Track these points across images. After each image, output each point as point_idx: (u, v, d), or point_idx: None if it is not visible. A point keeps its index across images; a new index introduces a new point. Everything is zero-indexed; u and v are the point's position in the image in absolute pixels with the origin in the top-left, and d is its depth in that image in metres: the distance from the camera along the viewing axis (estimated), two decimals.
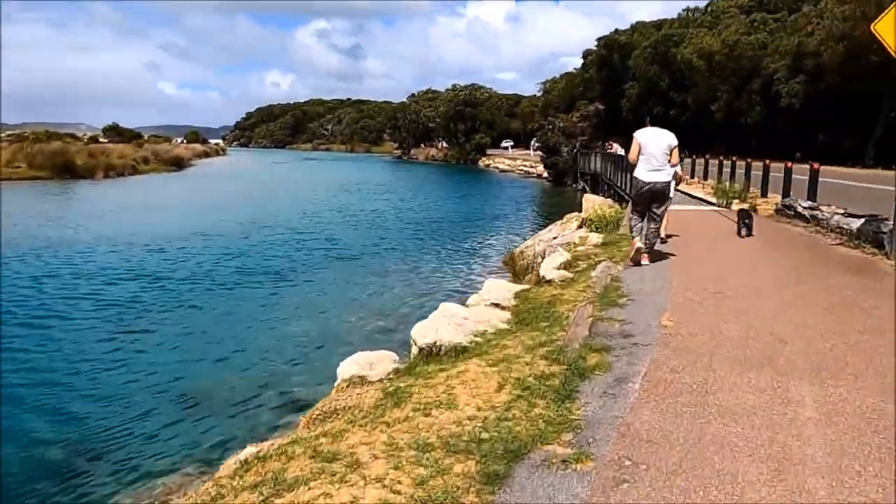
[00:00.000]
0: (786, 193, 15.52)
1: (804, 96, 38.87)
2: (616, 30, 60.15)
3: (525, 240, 17.81)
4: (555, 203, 33.46)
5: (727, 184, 20.54)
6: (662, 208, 8.47)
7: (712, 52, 44.71)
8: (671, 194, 8.65)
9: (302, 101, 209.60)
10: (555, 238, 15.53)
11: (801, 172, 14.90)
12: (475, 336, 5.78)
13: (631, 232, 8.72)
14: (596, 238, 10.92)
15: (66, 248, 18.71)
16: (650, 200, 8.31)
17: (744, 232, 10.78)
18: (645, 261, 8.37)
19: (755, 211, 13.85)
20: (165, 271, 15.85)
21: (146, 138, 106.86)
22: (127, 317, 11.99)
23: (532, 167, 57.82)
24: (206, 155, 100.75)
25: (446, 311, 6.44)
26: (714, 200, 17.58)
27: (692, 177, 27.08)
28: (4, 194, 36.99)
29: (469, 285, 14.43)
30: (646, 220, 8.41)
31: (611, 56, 58.15)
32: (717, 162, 24.67)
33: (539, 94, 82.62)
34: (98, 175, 48.66)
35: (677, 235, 10.75)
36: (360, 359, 5.32)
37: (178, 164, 64.94)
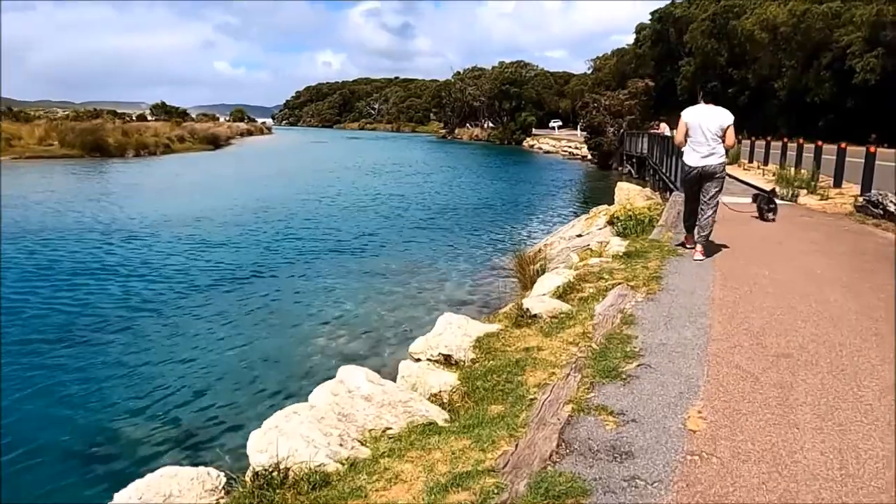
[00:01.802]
0: (867, 186, 12.61)
1: (881, 72, 34.78)
2: (672, 2, 56.13)
3: (547, 235, 15.31)
4: (595, 189, 30.59)
5: (791, 170, 17.56)
6: (712, 194, 7.56)
7: (777, 23, 40.70)
8: (721, 175, 7.56)
9: (350, 80, 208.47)
10: (578, 236, 13.01)
11: (884, 158, 11.93)
12: (367, 441, 3.49)
13: (684, 224, 8.15)
14: (618, 245, 8.40)
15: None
16: (699, 186, 7.61)
17: (771, 216, 10.35)
18: (698, 255, 7.57)
19: (823, 201, 11.04)
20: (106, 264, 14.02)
21: (194, 116, 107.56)
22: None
23: (577, 148, 54.54)
24: (250, 133, 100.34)
25: (347, 379, 4.15)
26: (777, 191, 14.69)
27: (750, 161, 23.93)
28: (29, 172, 36.37)
29: (473, 291, 12.14)
30: (699, 210, 7.68)
31: (665, 30, 54.37)
32: (779, 144, 21.49)
33: (589, 72, 78.87)
34: (128, 154, 47.86)
35: (726, 247, 8.17)
36: (145, 489, 3.06)
37: (215, 142, 63.93)
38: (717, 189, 7.56)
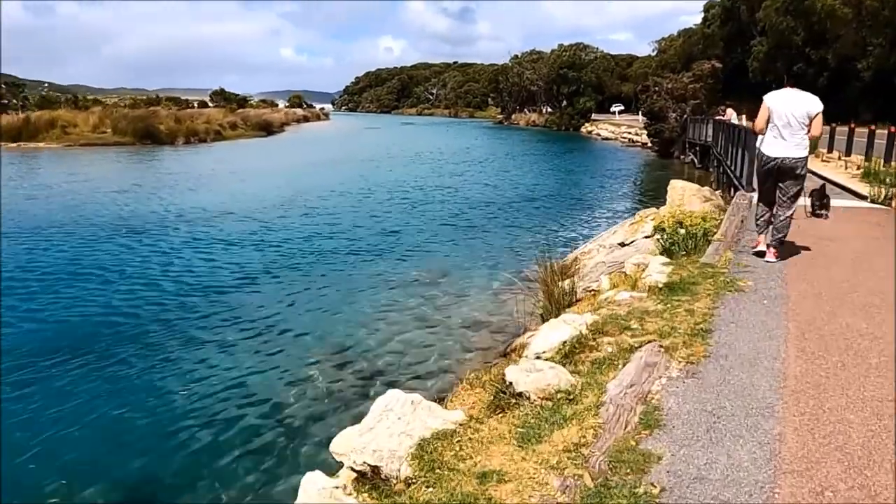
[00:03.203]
0: None
1: None
2: None
3: (587, 241, 13.36)
4: (652, 181, 28.14)
5: (877, 162, 15.02)
6: (792, 192, 6.90)
7: None
8: (803, 170, 6.84)
9: (409, 65, 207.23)
10: (621, 244, 11.08)
11: None
12: None
13: (756, 223, 7.39)
14: (659, 270, 6.50)
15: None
16: (776, 181, 6.95)
17: (824, 213, 9.61)
18: (771, 257, 6.95)
19: None
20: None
21: (254, 103, 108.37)
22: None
23: (637, 135, 51.51)
24: (306, 119, 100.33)
25: None
26: (864, 191, 12.36)
27: (829, 151, 21.16)
28: (80, 158, 36.47)
29: (494, 310, 10.43)
30: (775, 209, 7.02)
31: (736, 8, 50.69)
32: (865, 131, 18.72)
33: (653, 54, 75.03)
34: (178, 141, 47.78)
35: (799, 266, 6.21)
36: None
37: (267, 129, 63.63)
38: (798, 187, 6.91)
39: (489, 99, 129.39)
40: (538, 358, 4.81)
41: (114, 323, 9.94)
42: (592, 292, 8.63)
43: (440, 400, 5.40)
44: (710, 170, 27.37)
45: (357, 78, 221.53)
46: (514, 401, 4.10)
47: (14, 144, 44.17)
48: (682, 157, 37.08)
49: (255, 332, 9.68)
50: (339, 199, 22.61)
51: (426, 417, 3.74)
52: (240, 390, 7.74)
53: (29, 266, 13.05)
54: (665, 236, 8.17)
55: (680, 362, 4.28)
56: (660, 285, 6.11)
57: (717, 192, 13.23)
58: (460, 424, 3.72)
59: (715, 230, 8.47)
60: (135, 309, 10.61)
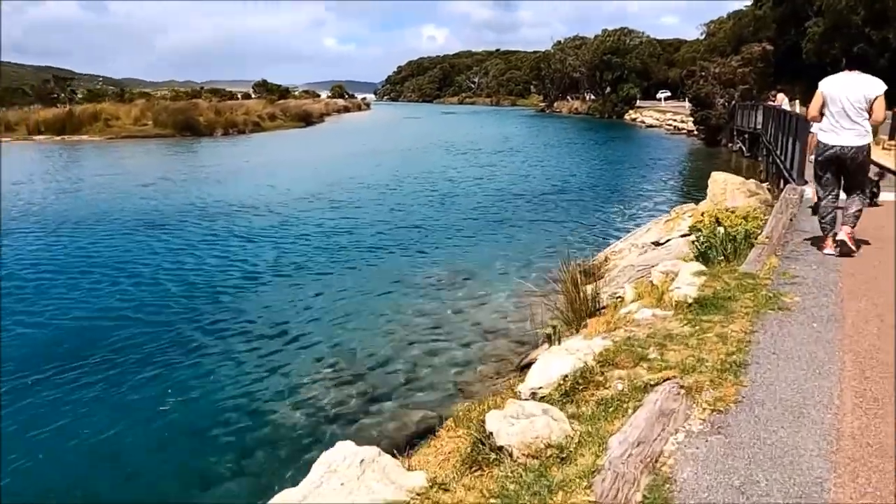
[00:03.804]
0: None
1: None
2: None
3: (619, 239, 12.38)
4: (696, 172, 26.72)
5: None
6: (857, 183, 6.53)
7: None
8: (864, 159, 6.43)
9: (451, 53, 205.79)
10: (655, 244, 10.13)
11: None
12: None
13: (821, 223, 6.81)
14: (689, 282, 5.61)
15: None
16: (837, 173, 6.50)
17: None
18: (829, 249, 6.52)
19: None
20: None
21: (296, 94, 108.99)
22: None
23: (682, 122, 49.57)
24: (347, 110, 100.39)
25: None
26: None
27: (891, 137, 19.53)
28: (119, 150, 36.84)
29: (516, 317, 9.62)
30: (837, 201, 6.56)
31: None
32: None
33: (702, 38, 72.33)
34: (217, 133, 48.00)
35: (852, 276, 5.27)
36: None
37: (306, 119, 63.61)
38: (861, 176, 6.61)
39: (531, 87, 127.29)
40: (533, 395, 4.03)
41: (116, 324, 9.51)
42: (619, 298, 7.77)
43: (412, 446, 4.68)
44: (759, 159, 25.86)
45: (399, 67, 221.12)
46: (493, 456, 3.33)
47: (58, 137, 45.10)
48: (729, 145, 35.34)
49: (261, 334, 9.12)
50: (367, 191, 22.01)
51: (376, 484, 3.00)
52: (228, 401, 7.15)
53: (43, 263, 12.81)
54: (700, 238, 7.23)
55: (704, 409, 3.45)
56: (689, 300, 5.24)
57: (764, 186, 12.11)
58: (417, 494, 2.97)
59: (759, 231, 7.49)
60: (138, 309, 10.18)
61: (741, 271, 5.97)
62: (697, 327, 4.68)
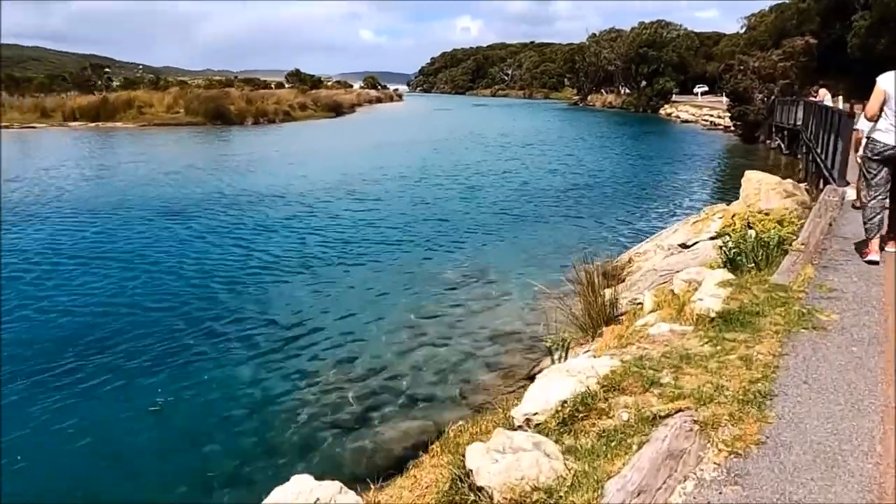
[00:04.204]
0: None
1: None
2: None
3: (645, 239, 11.77)
4: (732, 169, 25.78)
5: None
6: None
7: None
8: None
9: (485, 45, 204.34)
10: (682, 246, 9.56)
11: None
12: None
13: (865, 225, 6.21)
14: (713, 293, 5.07)
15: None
16: (890, 174, 6.05)
17: None
18: (873, 254, 6.04)
19: None
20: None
21: (328, 84, 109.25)
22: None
23: (719, 117, 48.17)
24: (378, 101, 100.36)
25: None
26: None
27: None
28: (150, 137, 37.10)
29: (531, 320, 9.14)
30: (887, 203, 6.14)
31: None
32: None
33: (742, 31, 70.41)
34: (247, 122, 48.14)
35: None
36: None
37: (337, 110, 63.56)
38: None
39: (565, 80, 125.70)
40: (528, 421, 3.59)
41: (123, 316, 9.33)
42: (638, 305, 7.26)
43: (391, 474, 4.28)
44: (799, 157, 24.85)
45: (432, 59, 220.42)
46: (472, 498, 2.91)
47: (93, 124, 45.72)
48: (767, 141, 34.16)
49: (265, 330, 8.85)
50: (390, 183, 21.65)
51: None
52: (216, 404, 6.85)
53: (59, 251, 12.72)
54: (729, 244, 6.66)
55: (720, 451, 2.97)
56: (712, 314, 4.72)
57: (802, 186, 11.38)
58: None
59: (794, 236, 6.89)
60: (147, 301, 9.98)
61: (772, 282, 5.43)
62: (719, 347, 4.18)
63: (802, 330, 4.40)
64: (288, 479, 2.87)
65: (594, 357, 4.21)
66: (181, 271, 11.60)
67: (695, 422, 3.19)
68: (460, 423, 4.84)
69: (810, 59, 36.24)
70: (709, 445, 3.03)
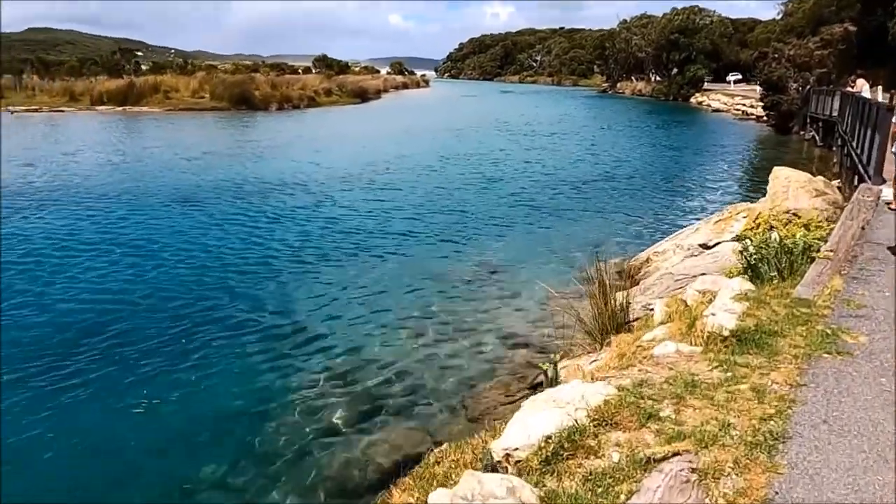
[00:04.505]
0: None
1: None
2: None
3: (664, 238, 11.25)
4: (763, 161, 24.93)
5: None
6: None
7: None
8: None
9: (514, 31, 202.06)
10: (703, 246, 9.06)
11: None
12: None
13: None
14: (728, 308, 4.63)
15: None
16: None
17: None
18: None
19: None
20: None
21: (355, 69, 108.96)
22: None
23: (752, 107, 46.82)
24: (405, 87, 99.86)
25: None
26: None
27: None
28: (174, 122, 37.18)
29: (542, 322, 8.72)
30: None
31: None
32: None
33: (778, 18, 68.35)
34: (271, 107, 48.06)
35: None
36: None
37: (362, 96, 63.23)
38: None
39: (595, 66, 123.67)
40: (507, 457, 3.22)
41: (126, 308, 9.15)
42: (651, 311, 6.81)
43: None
44: (833, 149, 23.90)
45: (461, 44, 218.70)
46: None
47: (120, 108, 45.99)
48: (801, 132, 33.02)
49: (267, 326, 8.61)
50: (408, 172, 21.27)
51: None
52: (202, 405, 6.59)
53: (68, 239, 12.61)
54: (750, 249, 6.19)
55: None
56: (724, 333, 4.29)
57: (834, 184, 10.76)
58: None
59: (821, 241, 6.39)
60: (152, 293, 9.78)
61: (794, 296, 4.97)
62: (729, 374, 3.76)
63: (825, 355, 3.96)
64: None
65: (588, 382, 3.81)
66: (189, 261, 11.40)
67: (693, 470, 2.80)
68: (445, 446, 4.50)
69: (849, 47, 34.88)
70: (707, 501, 2.63)
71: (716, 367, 3.86)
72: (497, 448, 3.29)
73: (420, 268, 11.21)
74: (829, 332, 4.27)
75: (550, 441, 3.15)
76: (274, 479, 5.49)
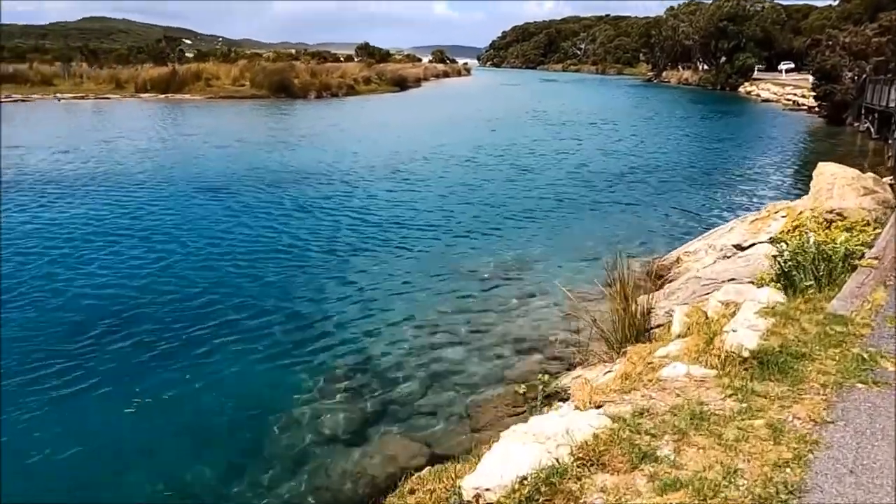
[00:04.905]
0: None
1: None
2: None
3: (701, 233, 10.62)
4: (810, 155, 23.76)
5: None
6: None
7: None
8: None
9: (558, 19, 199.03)
10: (738, 247, 8.46)
11: None
12: None
13: None
14: (751, 324, 4.13)
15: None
16: None
17: None
18: None
19: None
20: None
21: (397, 57, 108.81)
22: None
23: (803, 97, 44.92)
24: (446, 75, 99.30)
25: None
26: None
27: None
28: (213, 109, 37.50)
29: (556, 329, 8.27)
30: None
31: None
32: None
33: (834, 4, 65.59)
34: (310, 95, 48.14)
35: None
36: None
37: (401, 84, 62.96)
38: None
39: (640, 55, 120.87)
40: (478, 497, 2.83)
41: (142, 299, 9.02)
42: (671, 320, 6.30)
43: None
44: (889, 142, 22.60)
45: (504, 32, 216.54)
46: None
47: (162, 95, 46.67)
48: (855, 124, 31.43)
49: (276, 323, 8.33)
50: (437, 163, 20.86)
51: None
52: (220, 398, 6.36)
53: (89, 228, 12.62)
54: (784, 254, 5.63)
55: None
56: (744, 353, 3.81)
57: (886, 182, 9.94)
58: None
59: (865, 248, 5.77)
60: (169, 284, 9.65)
61: (829, 311, 4.43)
62: (744, 404, 3.28)
63: (859, 385, 3.45)
64: None
65: (581, 409, 3.38)
66: (208, 251, 11.26)
67: None
68: (425, 471, 4.14)
69: None
70: None
71: (730, 396, 3.39)
72: (468, 486, 2.90)
73: (438, 263, 10.84)
74: (865, 356, 3.75)
75: (526, 483, 2.75)
76: (259, 486, 5.23)
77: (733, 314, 4.61)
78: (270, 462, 5.59)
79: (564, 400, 5.37)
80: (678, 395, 3.46)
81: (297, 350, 7.64)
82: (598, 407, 3.53)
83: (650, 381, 3.71)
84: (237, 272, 10.29)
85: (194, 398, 6.57)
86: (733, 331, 4.16)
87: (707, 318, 4.87)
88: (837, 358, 3.74)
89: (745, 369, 3.67)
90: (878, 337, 4.04)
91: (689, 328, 4.96)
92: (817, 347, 3.88)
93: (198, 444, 5.86)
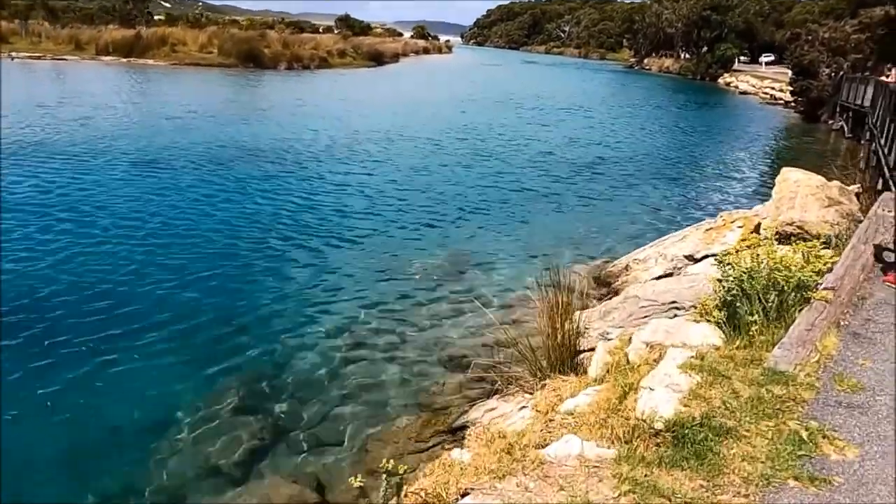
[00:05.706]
0: None
1: None
2: None
3: (657, 237, 9.91)
4: (782, 153, 23.26)
5: None
6: None
7: None
8: None
9: (544, 0, 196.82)
10: (689, 258, 7.74)
11: None
12: None
13: None
14: (672, 382, 3.39)
15: None
16: None
17: None
18: None
19: None
20: None
21: (378, 31, 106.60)
22: None
23: (781, 91, 44.57)
24: (426, 52, 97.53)
25: None
26: None
27: None
28: (176, 76, 35.93)
29: (489, 338, 7.49)
30: None
31: None
32: None
33: None
34: (280, 66, 46.58)
35: None
36: None
37: (377, 59, 61.42)
38: None
39: (623, 40, 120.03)
40: None
41: (27, 286, 8.06)
42: (610, 339, 5.56)
43: None
44: (862, 142, 22.18)
45: (489, 11, 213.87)
46: None
47: (125, 59, 44.78)
48: (830, 122, 31.10)
49: (170, 326, 7.42)
50: (397, 144, 19.92)
51: None
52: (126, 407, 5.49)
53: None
54: (730, 279, 4.87)
55: None
56: (657, 424, 3.05)
57: (852, 191, 9.28)
58: None
59: (818, 278, 5.04)
60: (62, 270, 8.67)
61: (767, 365, 3.69)
62: (644, 501, 2.53)
63: (791, 481, 2.70)
64: None
65: None
66: (122, 234, 10.27)
67: None
68: None
69: (890, 32, 32.62)
70: None
71: (625, 494, 2.63)
72: None
73: (376, 260, 10.00)
74: (804, 434, 3.02)
75: None
76: None
77: (657, 361, 3.86)
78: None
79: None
80: (561, 489, 2.70)
81: (195, 358, 6.78)
82: (464, 496, 2.75)
83: (533, 462, 2.93)
84: (150, 260, 9.34)
85: (66, 410, 5.72)
86: (651, 388, 3.41)
87: (628, 361, 4.11)
88: (770, 435, 3.01)
89: (655, 450, 2.92)
90: (822, 404, 3.32)
91: (608, 371, 4.20)
92: (747, 419, 3.14)
93: (56, 465, 5.05)
